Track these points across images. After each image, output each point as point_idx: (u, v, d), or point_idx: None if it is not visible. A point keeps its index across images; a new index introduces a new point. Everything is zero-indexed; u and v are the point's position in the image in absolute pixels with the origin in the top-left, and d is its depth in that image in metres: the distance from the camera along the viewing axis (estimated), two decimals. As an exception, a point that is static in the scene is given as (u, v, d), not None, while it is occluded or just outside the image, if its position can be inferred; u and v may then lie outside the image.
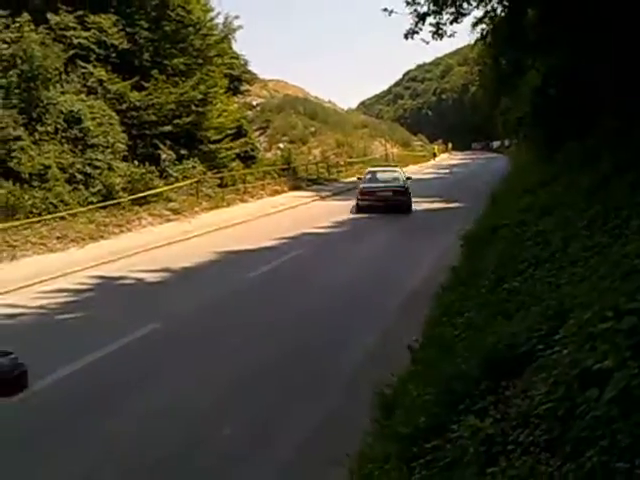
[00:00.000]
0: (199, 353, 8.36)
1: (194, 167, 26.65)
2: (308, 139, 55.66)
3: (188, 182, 25.33)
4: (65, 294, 12.11)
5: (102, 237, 18.20)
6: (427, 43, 16.12)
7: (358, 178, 29.13)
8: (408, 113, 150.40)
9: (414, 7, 14.41)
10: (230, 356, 8.16)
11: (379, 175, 25.93)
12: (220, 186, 28.08)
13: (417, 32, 14.55)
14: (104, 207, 20.17)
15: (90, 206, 19.75)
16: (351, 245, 16.78)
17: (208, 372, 7.60)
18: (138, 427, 6.18)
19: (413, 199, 24.11)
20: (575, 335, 3.76)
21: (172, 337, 9.05)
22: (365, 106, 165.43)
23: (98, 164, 20.85)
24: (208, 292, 11.86)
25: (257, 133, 50.04)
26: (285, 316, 10.03)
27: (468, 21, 22.16)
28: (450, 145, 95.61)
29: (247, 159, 34.20)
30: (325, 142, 55.82)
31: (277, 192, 32.48)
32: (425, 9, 14.31)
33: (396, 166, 30.26)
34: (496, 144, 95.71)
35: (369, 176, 25.93)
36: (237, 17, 47.14)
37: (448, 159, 73.92)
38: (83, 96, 21.90)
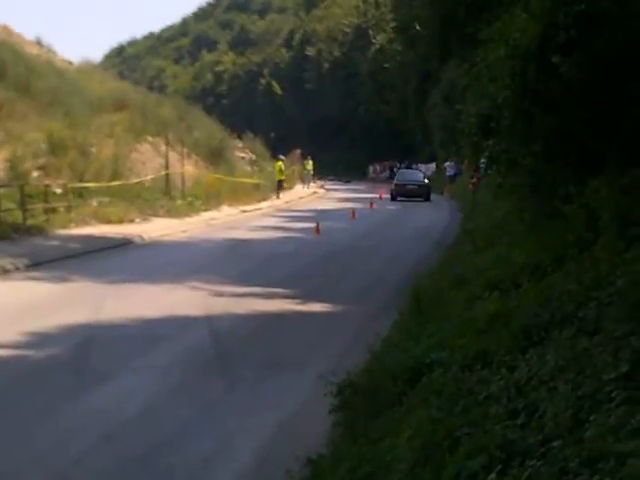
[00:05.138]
0: None
1: None
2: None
3: None
4: None
5: None
6: None
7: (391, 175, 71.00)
8: (225, 84, 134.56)
9: None
10: None
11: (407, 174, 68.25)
12: None
13: None
14: None
15: None
16: (66, 409, 11.68)
17: None
18: None
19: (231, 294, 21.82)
20: None
21: None
22: (124, 60, 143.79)
23: None
24: None
25: None
26: None
27: None
28: (311, 163, 74.99)
29: None
30: (23, 137, 45.86)
31: None
32: None
33: (417, 169, 76.90)
34: (426, 169, 78.19)
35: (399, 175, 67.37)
36: None
37: (313, 195, 65.26)
38: None
